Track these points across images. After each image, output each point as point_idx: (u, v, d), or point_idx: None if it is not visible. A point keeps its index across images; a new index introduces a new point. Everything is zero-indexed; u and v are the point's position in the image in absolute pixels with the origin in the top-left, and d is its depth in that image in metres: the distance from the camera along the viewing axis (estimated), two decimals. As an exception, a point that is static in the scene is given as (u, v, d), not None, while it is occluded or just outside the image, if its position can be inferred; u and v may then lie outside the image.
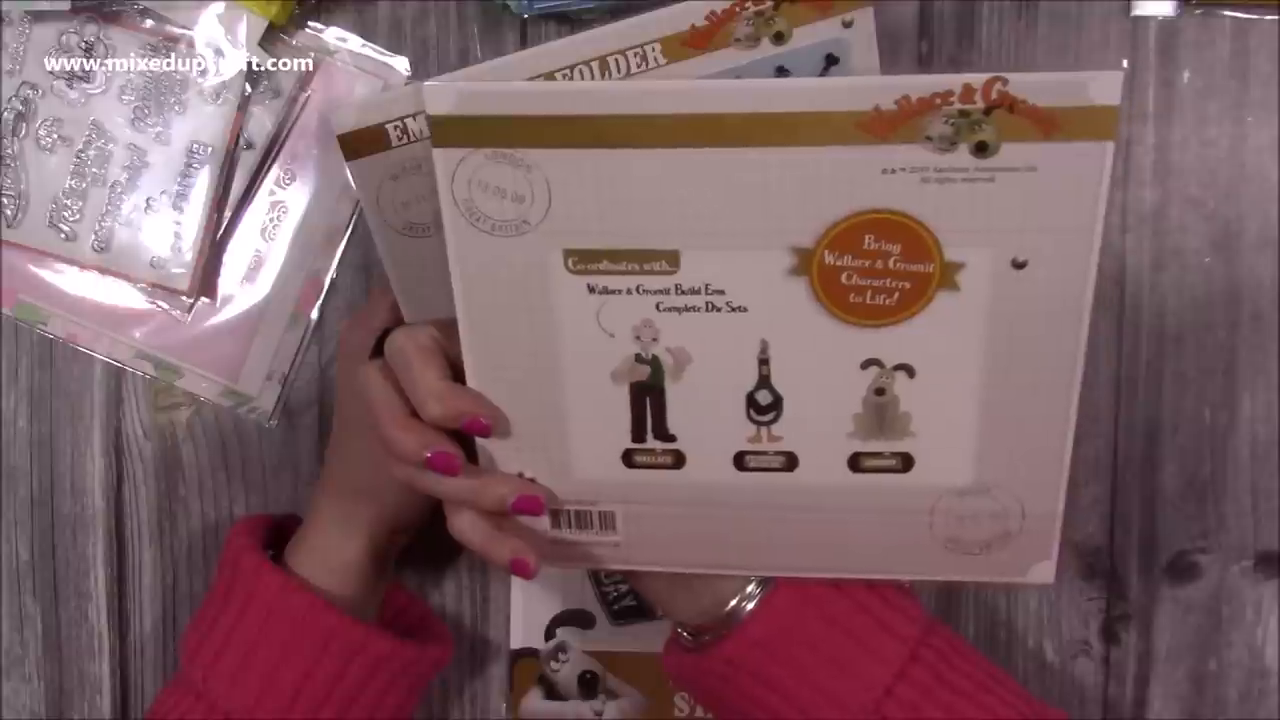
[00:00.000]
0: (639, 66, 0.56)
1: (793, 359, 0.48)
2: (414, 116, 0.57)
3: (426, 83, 0.45)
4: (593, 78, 0.54)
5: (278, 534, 0.62)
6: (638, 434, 0.50)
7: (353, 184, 0.60)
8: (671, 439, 0.50)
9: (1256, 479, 0.66)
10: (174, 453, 0.69)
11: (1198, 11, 0.63)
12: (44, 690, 0.71)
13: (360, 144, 0.57)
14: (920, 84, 0.43)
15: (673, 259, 0.47)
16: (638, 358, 0.49)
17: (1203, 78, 0.64)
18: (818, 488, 0.50)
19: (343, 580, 0.59)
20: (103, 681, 0.71)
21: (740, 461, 0.50)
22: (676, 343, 0.48)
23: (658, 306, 0.48)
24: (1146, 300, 0.65)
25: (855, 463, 0.50)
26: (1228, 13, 0.63)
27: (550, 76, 0.54)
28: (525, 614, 0.70)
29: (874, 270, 0.46)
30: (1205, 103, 0.64)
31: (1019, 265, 0.46)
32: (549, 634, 0.70)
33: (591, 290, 0.47)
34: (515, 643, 0.70)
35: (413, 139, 0.57)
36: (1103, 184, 0.44)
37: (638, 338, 0.48)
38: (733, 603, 0.53)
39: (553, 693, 0.70)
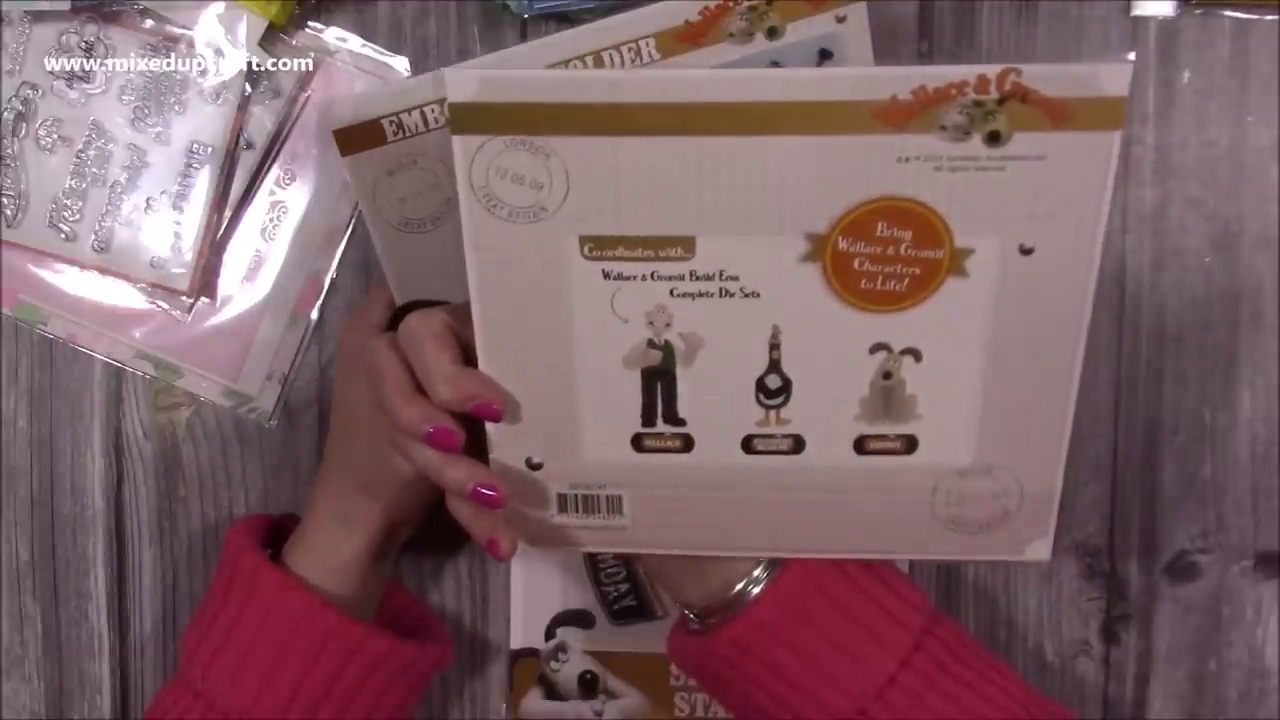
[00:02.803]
0: (633, 61, 0.56)
1: (803, 344, 0.49)
2: (409, 111, 0.57)
3: (448, 70, 0.45)
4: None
5: (277, 534, 0.62)
6: (648, 419, 0.51)
7: (348, 180, 0.60)
8: (681, 423, 0.51)
9: (1256, 479, 0.66)
10: (174, 453, 0.69)
11: (1198, 11, 0.63)
12: (44, 690, 0.71)
13: (356, 139, 0.57)
14: (936, 74, 0.44)
15: (688, 245, 0.47)
16: (650, 343, 0.49)
17: (1203, 78, 0.64)
18: (823, 470, 0.51)
19: (342, 579, 0.59)
20: (103, 681, 0.71)
21: (748, 445, 0.51)
22: (689, 328, 0.49)
23: (672, 292, 0.48)
24: (1146, 300, 0.65)
25: (861, 445, 0.51)
26: (1228, 13, 0.63)
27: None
28: (525, 614, 0.70)
29: (885, 257, 0.47)
30: (1205, 103, 0.64)
31: (1026, 252, 0.47)
32: (549, 634, 0.70)
33: (606, 276, 0.48)
34: (515, 643, 0.70)
35: (408, 134, 0.57)
36: (1109, 172, 0.45)
37: (651, 323, 0.49)
38: (740, 585, 0.53)
39: (553, 693, 0.70)
